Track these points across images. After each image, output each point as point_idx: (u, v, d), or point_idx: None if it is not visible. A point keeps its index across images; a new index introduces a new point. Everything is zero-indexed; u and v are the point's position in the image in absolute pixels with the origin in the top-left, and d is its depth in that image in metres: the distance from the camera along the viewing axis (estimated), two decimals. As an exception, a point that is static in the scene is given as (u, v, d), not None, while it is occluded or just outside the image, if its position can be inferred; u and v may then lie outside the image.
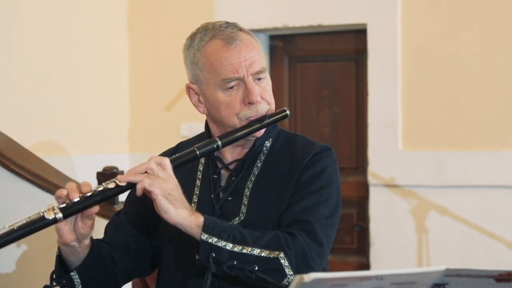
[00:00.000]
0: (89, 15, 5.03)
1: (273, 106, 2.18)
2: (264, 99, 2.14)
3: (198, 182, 2.23)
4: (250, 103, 2.12)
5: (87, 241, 2.10)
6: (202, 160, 2.24)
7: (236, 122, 2.13)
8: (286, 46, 5.15)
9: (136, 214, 2.27)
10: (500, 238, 4.38)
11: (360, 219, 4.86)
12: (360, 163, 4.89)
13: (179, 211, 1.98)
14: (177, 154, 2.09)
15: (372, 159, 4.68)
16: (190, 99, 2.23)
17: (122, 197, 3.27)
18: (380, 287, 1.50)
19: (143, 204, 2.22)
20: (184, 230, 2.00)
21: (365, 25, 4.72)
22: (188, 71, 2.22)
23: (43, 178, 3.33)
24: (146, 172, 1.99)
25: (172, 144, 2.39)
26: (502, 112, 4.43)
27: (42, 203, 3.26)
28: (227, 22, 2.19)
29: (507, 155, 4.39)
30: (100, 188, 2.02)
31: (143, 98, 5.32)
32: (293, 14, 4.87)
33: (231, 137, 2.12)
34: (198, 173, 2.24)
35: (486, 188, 4.43)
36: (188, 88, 2.22)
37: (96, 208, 2.02)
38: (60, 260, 2.14)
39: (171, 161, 2.04)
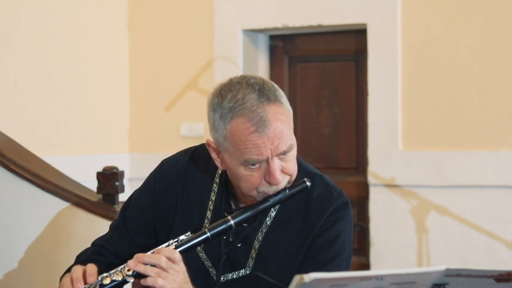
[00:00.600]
0: (89, 15, 5.03)
1: (294, 175, 2.06)
2: (286, 174, 2.03)
3: (208, 214, 2.16)
4: (270, 183, 2.02)
5: None
6: (215, 188, 2.17)
7: (254, 195, 2.04)
8: (286, 46, 5.14)
9: (144, 223, 2.23)
10: (500, 238, 4.38)
11: (360, 219, 4.86)
12: (360, 163, 4.89)
13: None
14: (187, 237, 2.04)
15: (372, 159, 4.68)
16: (210, 153, 2.10)
17: (122, 197, 3.28)
18: (380, 287, 1.50)
19: (152, 215, 2.19)
20: None
21: (365, 25, 4.72)
22: (210, 130, 2.06)
23: (43, 178, 3.32)
24: (155, 265, 1.97)
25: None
26: (502, 112, 4.43)
27: (42, 203, 3.28)
28: (259, 91, 2.00)
29: (507, 155, 4.38)
30: (107, 281, 2.02)
31: (143, 98, 5.31)
32: (293, 14, 4.87)
33: (244, 215, 2.05)
34: (210, 203, 2.17)
35: (486, 188, 4.42)
36: (208, 145, 2.09)
37: None
38: None
39: (181, 249, 2.01)
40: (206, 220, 2.15)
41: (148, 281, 1.95)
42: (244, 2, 4.99)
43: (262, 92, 2.00)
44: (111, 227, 2.30)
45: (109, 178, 3.25)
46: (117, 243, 2.25)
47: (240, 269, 2.12)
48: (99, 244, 2.27)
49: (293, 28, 4.92)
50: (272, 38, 5.18)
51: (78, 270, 2.04)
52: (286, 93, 2.12)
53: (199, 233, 2.04)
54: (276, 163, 1.99)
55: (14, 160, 3.32)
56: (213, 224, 2.05)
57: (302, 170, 2.13)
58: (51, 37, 4.75)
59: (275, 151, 1.99)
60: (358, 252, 4.88)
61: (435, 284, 1.56)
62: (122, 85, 5.31)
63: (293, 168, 2.05)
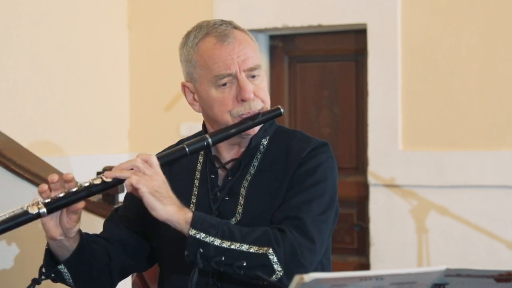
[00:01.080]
0: (89, 15, 5.03)
1: (268, 104, 2.16)
2: (258, 97, 2.13)
3: (196, 182, 2.23)
4: (243, 100, 2.10)
5: (74, 235, 2.09)
6: (201, 159, 2.24)
7: (229, 120, 2.12)
8: (286, 46, 5.15)
9: (135, 211, 2.26)
10: (500, 238, 4.38)
11: (360, 219, 4.86)
12: (360, 163, 4.89)
13: (167, 208, 1.98)
14: (166, 151, 2.10)
15: (372, 159, 4.68)
16: (186, 98, 2.21)
17: (122, 197, 3.28)
18: (380, 287, 1.50)
19: (141, 202, 2.23)
20: (173, 226, 2.00)
21: (365, 25, 4.73)
22: (183, 69, 2.20)
23: (43, 178, 3.32)
24: (132, 169, 2.00)
25: (172, 144, 2.38)
26: (502, 112, 4.43)
27: (42, 203, 3.27)
28: (222, 20, 2.18)
29: (507, 155, 4.39)
30: (86, 184, 2.01)
31: (143, 98, 5.32)
32: (293, 14, 4.87)
33: (221, 134, 2.11)
34: (197, 172, 2.24)
35: (486, 188, 4.43)
36: (183, 87, 2.20)
37: (81, 204, 2.03)
38: (50, 254, 2.14)
39: (159, 158, 2.04)
40: (194, 188, 2.21)
41: (126, 184, 1.98)
42: (244, 2, 4.99)
43: (229, 22, 2.18)
44: (104, 226, 2.35)
45: (109, 178, 3.24)
46: (107, 228, 2.29)
47: (231, 218, 2.14)
48: (91, 234, 2.30)
49: (293, 28, 4.93)
50: (272, 38, 5.18)
51: (54, 175, 2.03)
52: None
53: (177, 147, 2.09)
54: (245, 79, 2.10)
55: (14, 160, 3.33)
56: (192, 140, 2.11)
57: (283, 130, 2.24)
58: (51, 37, 4.75)
59: (242, 65, 2.09)
60: (358, 252, 4.89)
61: (435, 284, 1.56)
62: (122, 85, 5.31)
63: (264, 94, 2.15)
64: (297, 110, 5.03)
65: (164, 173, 2.06)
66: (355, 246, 4.90)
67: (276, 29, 4.99)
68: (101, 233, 2.30)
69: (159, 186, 1.98)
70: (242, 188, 2.16)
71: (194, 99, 2.19)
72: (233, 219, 2.14)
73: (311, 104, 5.04)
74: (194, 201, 2.20)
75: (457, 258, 4.44)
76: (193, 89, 2.17)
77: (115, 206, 3.23)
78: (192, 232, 1.98)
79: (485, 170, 4.42)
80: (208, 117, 2.19)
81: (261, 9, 4.95)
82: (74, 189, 2.00)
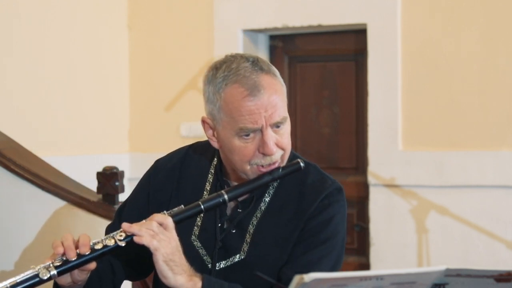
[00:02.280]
0: (89, 15, 5.03)
1: (288, 151, 2.09)
2: (280, 147, 2.06)
3: None
4: (265, 154, 2.04)
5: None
6: (210, 178, 2.19)
7: (247, 169, 2.06)
8: (286, 46, 5.14)
9: (138, 220, 2.20)
10: (500, 238, 4.38)
11: (360, 219, 4.86)
12: (360, 163, 4.89)
13: (177, 277, 1.97)
14: (181, 209, 2.04)
15: (372, 159, 4.68)
16: (205, 132, 2.13)
17: (122, 197, 3.28)
18: (380, 287, 1.50)
19: (147, 210, 2.18)
20: None
21: (365, 25, 4.72)
22: (205, 105, 2.11)
23: (43, 178, 3.32)
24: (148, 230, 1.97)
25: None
26: (502, 112, 4.43)
27: (42, 203, 3.27)
28: (253, 62, 2.06)
29: (507, 155, 4.38)
30: (99, 246, 1.99)
31: (143, 98, 5.31)
32: (293, 14, 4.87)
33: (238, 191, 2.06)
34: (205, 193, 2.19)
35: (486, 188, 4.42)
36: (203, 122, 2.12)
37: (93, 265, 2.00)
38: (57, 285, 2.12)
39: (173, 216, 2.01)
40: None
41: (143, 240, 1.95)
42: (244, 2, 4.99)
43: (256, 63, 2.06)
44: (106, 229, 2.30)
45: (109, 178, 3.25)
46: None
47: (234, 255, 2.12)
48: None
49: (293, 28, 4.92)
50: (272, 38, 5.18)
51: (68, 238, 2.00)
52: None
53: (192, 205, 2.04)
54: (270, 133, 2.02)
55: (14, 160, 3.32)
56: (207, 197, 2.06)
57: (296, 158, 2.16)
58: (51, 37, 4.75)
59: (269, 120, 2.02)
60: (358, 252, 4.88)
61: (435, 284, 1.56)
62: (122, 85, 5.31)
63: (287, 143, 2.08)
64: (297, 110, 5.03)
65: (172, 190, 2.07)
66: (355, 246, 4.90)
67: (276, 29, 4.99)
68: None
69: (173, 254, 1.96)
70: (250, 225, 2.12)
71: (214, 136, 2.11)
72: (237, 256, 2.11)
73: (311, 104, 5.03)
74: (200, 224, 2.17)
75: (457, 258, 4.44)
76: (213, 127, 2.10)
77: (115, 206, 3.24)
78: None
79: (485, 170, 4.42)
80: (226, 157, 2.12)
81: (261, 9, 4.94)
82: (87, 253, 1.98)
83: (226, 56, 2.10)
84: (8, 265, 3.28)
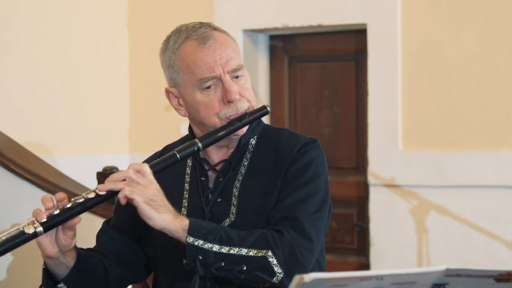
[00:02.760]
0: (89, 15, 5.03)
1: (253, 103, 2.16)
2: (244, 97, 2.12)
3: (186, 186, 2.22)
4: (229, 102, 2.10)
5: (71, 252, 2.08)
6: (190, 162, 2.23)
7: (217, 122, 2.11)
8: (286, 46, 5.15)
9: (126, 220, 2.24)
10: (500, 238, 4.38)
11: (360, 219, 4.86)
12: (360, 163, 4.89)
13: (163, 216, 1.97)
14: (157, 159, 2.08)
15: (372, 159, 4.68)
16: (171, 103, 2.20)
17: (122, 197, 3.28)
18: (380, 287, 1.50)
19: (133, 210, 2.17)
20: (170, 234, 1.99)
21: (365, 25, 4.72)
22: (165, 74, 2.20)
23: (43, 178, 3.32)
24: (125, 180, 1.98)
25: (159, 149, 2.38)
26: (502, 112, 4.43)
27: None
28: (200, 22, 2.17)
29: (507, 155, 4.38)
30: (80, 200, 1.99)
31: (143, 98, 5.32)
32: (293, 14, 4.87)
33: (211, 137, 2.10)
34: (186, 176, 2.23)
35: (486, 188, 4.42)
36: (167, 92, 2.20)
37: (77, 219, 2.01)
38: (47, 273, 2.13)
39: (151, 167, 2.02)
40: (185, 192, 2.20)
41: (119, 195, 1.96)
42: (244, 2, 4.99)
43: (208, 24, 2.17)
44: (96, 235, 2.32)
45: (109, 178, 3.24)
46: (101, 241, 2.27)
47: (225, 219, 2.13)
48: (85, 249, 2.27)
49: (293, 28, 4.93)
50: (272, 38, 5.18)
51: (47, 197, 2.05)
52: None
53: (168, 154, 2.07)
54: (229, 80, 2.09)
55: (14, 160, 3.32)
56: (182, 146, 2.09)
57: (270, 128, 2.24)
58: (51, 37, 4.75)
59: (225, 66, 2.09)
60: (358, 252, 4.89)
61: (435, 284, 1.56)
62: (122, 85, 5.31)
63: (249, 94, 2.14)
64: (297, 110, 5.03)
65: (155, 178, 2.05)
66: (355, 246, 4.90)
67: (276, 29, 4.99)
68: (95, 246, 2.28)
69: (154, 195, 1.97)
70: (234, 189, 2.15)
71: (179, 104, 2.18)
72: (227, 220, 2.13)
73: (311, 104, 5.03)
74: (186, 204, 2.19)
75: (457, 258, 4.44)
76: (178, 94, 2.17)
77: (115, 206, 3.24)
78: (190, 239, 1.97)
79: (485, 170, 4.42)
80: (195, 121, 2.18)
81: (261, 9, 4.94)
82: (68, 205, 1.99)
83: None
84: (8, 265, 3.28)
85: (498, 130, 4.43)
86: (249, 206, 2.13)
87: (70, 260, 2.10)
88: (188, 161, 2.23)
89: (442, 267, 1.53)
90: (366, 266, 4.77)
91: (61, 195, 2.01)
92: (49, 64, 4.73)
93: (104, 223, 2.33)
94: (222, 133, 2.10)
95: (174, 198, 2.11)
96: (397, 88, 4.63)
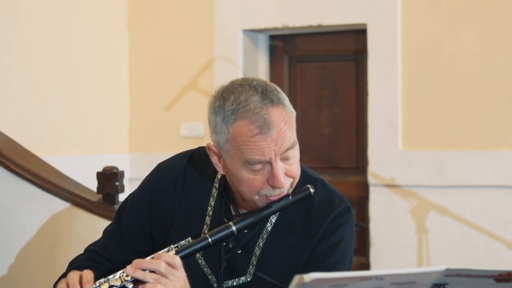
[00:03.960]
0: (89, 15, 5.03)
1: (297, 177, 2.03)
2: (290, 177, 2.00)
3: (207, 220, 2.14)
4: (274, 187, 1.99)
5: None
6: (214, 193, 2.14)
7: (256, 199, 2.00)
8: (286, 46, 5.15)
9: (141, 228, 2.19)
10: (500, 238, 4.38)
11: (360, 219, 4.86)
12: (360, 163, 4.89)
13: None
14: (188, 243, 2.00)
15: (372, 159, 4.68)
16: (210, 157, 2.06)
17: (122, 197, 3.28)
18: (380, 287, 1.50)
19: (149, 220, 2.16)
20: None
21: (365, 25, 4.72)
22: (211, 133, 2.02)
23: (43, 178, 3.32)
24: (154, 271, 1.94)
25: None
26: (502, 112, 4.43)
27: (42, 203, 3.27)
28: (262, 94, 1.96)
29: (507, 155, 4.39)
30: (105, 287, 1.97)
31: (143, 98, 5.32)
32: (293, 14, 4.87)
33: (247, 221, 2.01)
34: (209, 208, 2.14)
35: (486, 188, 4.43)
36: (209, 149, 2.05)
37: None
38: None
39: (181, 254, 1.97)
40: (205, 226, 2.12)
41: (146, 287, 1.92)
42: (244, 2, 4.99)
43: (265, 94, 1.97)
44: (104, 232, 2.25)
45: (109, 178, 3.24)
46: (112, 249, 2.20)
47: (240, 276, 2.09)
48: (93, 250, 2.22)
49: (293, 28, 4.93)
50: (272, 38, 5.18)
51: (74, 276, 1.98)
52: (286, 93, 2.10)
53: (200, 238, 2.00)
54: (279, 166, 1.96)
55: (14, 160, 3.32)
56: (215, 230, 2.01)
57: (303, 175, 2.09)
58: (51, 37, 4.75)
59: (279, 151, 1.95)
60: (358, 252, 4.88)
61: (435, 284, 1.56)
62: (122, 85, 5.31)
63: (296, 170, 2.01)
64: (297, 110, 4.96)
65: (175, 200, 2.05)
66: (355, 246, 4.88)
67: (276, 29, 4.99)
68: (105, 251, 2.21)
69: None
70: (256, 248, 2.08)
71: (220, 162, 2.04)
72: (243, 277, 2.08)
73: (311, 104, 5.03)
74: None
75: (457, 258, 4.44)
76: (219, 156, 2.03)
77: (115, 206, 3.23)
78: None
79: (485, 170, 4.42)
80: (233, 185, 2.06)
81: (261, 9, 4.95)
82: None
83: (233, 84, 2.00)
84: (8, 265, 3.28)
85: (498, 130, 4.43)
86: (268, 271, 2.05)
87: None
88: (213, 190, 2.14)
89: (442, 267, 1.53)
90: (366, 266, 4.76)
91: (89, 276, 1.98)
92: (49, 64, 4.73)
93: (115, 222, 2.24)
94: (259, 216, 2.02)
95: (194, 226, 2.08)
96: (397, 88, 4.63)
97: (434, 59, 4.56)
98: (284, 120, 1.97)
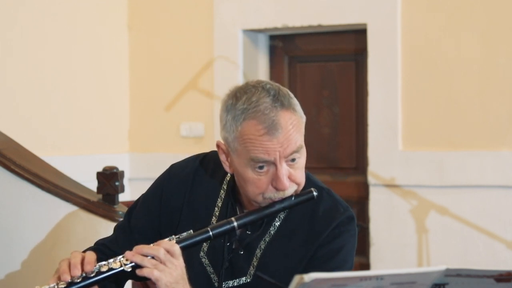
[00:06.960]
0: (89, 15, 5.03)
1: (302, 185, 2.06)
2: (294, 181, 2.03)
3: (213, 220, 2.16)
4: (277, 189, 2.02)
5: None
6: (222, 194, 2.18)
7: (260, 200, 2.04)
8: (286, 46, 5.15)
9: (150, 226, 2.22)
10: (500, 238, 4.38)
11: (360, 219, 4.86)
12: (360, 163, 4.89)
13: None
14: (188, 235, 2.03)
15: (372, 159, 4.68)
16: (219, 155, 2.11)
17: (122, 197, 3.28)
18: (380, 287, 1.50)
19: (158, 218, 2.18)
20: None
21: (365, 25, 4.72)
22: (221, 130, 2.08)
23: (43, 178, 3.32)
24: (153, 257, 1.96)
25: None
26: (502, 112, 4.43)
27: (42, 203, 3.27)
28: (274, 97, 2.05)
29: (507, 155, 4.39)
30: (104, 269, 1.99)
31: (143, 98, 5.32)
32: (293, 14, 4.87)
33: (249, 218, 2.05)
34: (216, 209, 2.17)
35: (486, 188, 4.43)
36: (218, 146, 2.10)
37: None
38: None
39: (182, 244, 2.00)
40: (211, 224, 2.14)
41: (144, 272, 1.95)
42: (244, 2, 4.99)
43: (277, 97, 2.06)
44: (115, 228, 2.30)
45: (109, 178, 3.24)
46: (121, 243, 2.23)
47: (241, 277, 2.11)
48: (102, 243, 2.27)
49: (293, 28, 4.93)
50: (272, 38, 5.18)
51: (76, 256, 2.02)
52: (304, 122, 2.13)
53: (201, 231, 2.03)
54: (284, 168, 2.00)
55: (14, 160, 3.32)
56: (216, 224, 2.05)
57: (310, 184, 2.12)
58: (51, 37, 4.75)
59: (284, 152, 2.00)
60: (358, 252, 4.87)
61: (435, 284, 1.56)
62: (122, 85, 5.31)
63: (301, 177, 2.05)
64: (297, 110, 5.02)
65: (184, 200, 2.08)
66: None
67: (276, 29, 4.99)
68: (113, 245, 2.24)
69: (177, 282, 1.95)
70: (258, 249, 2.11)
71: (227, 161, 2.09)
72: (243, 278, 2.11)
73: (311, 104, 5.03)
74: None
75: (457, 258, 4.44)
76: (227, 153, 2.08)
77: (115, 206, 3.24)
78: None
79: (485, 170, 4.42)
80: (240, 185, 2.10)
81: (261, 9, 4.95)
82: (92, 275, 1.99)
83: (248, 85, 2.07)
84: (8, 265, 3.28)
85: (498, 130, 4.43)
86: (267, 272, 2.06)
87: None
88: (222, 192, 2.18)
89: (442, 267, 1.53)
90: (366, 266, 4.77)
91: (91, 257, 2.00)
92: (49, 64, 4.73)
93: (125, 219, 2.27)
94: (260, 215, 2.05)
95: (200, 224, 2.09)
96: (397, 88, 4.63)
97: (434, 59, 4.56)
98: (292, 123, 2.05)
